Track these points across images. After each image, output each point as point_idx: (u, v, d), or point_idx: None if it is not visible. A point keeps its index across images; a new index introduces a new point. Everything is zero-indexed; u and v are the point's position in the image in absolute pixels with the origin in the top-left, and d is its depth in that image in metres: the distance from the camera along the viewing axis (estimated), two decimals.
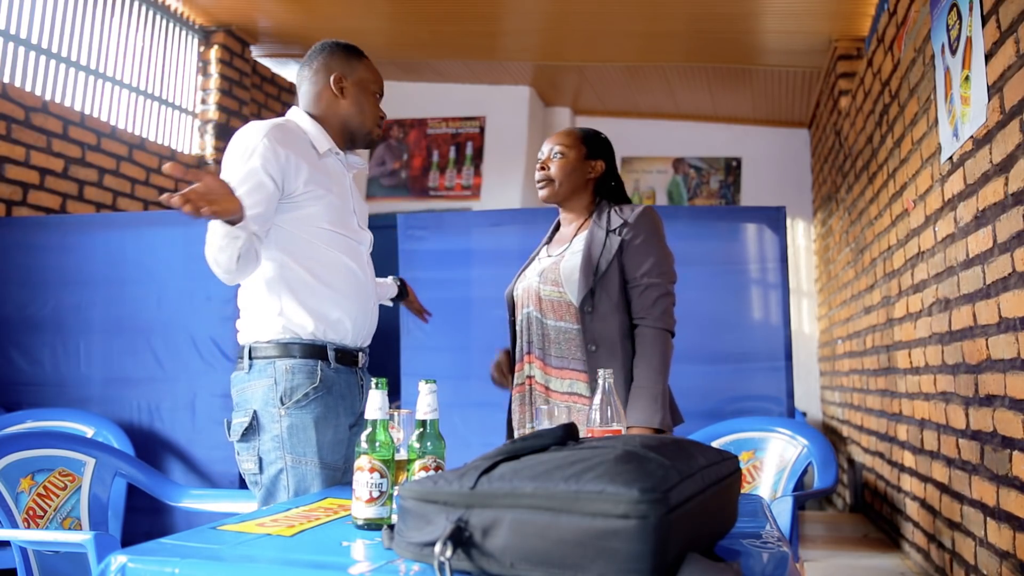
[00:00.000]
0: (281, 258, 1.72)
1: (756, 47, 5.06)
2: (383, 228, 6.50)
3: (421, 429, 1.37)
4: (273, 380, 1.69)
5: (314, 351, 1.72)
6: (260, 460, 1.69)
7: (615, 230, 1.86)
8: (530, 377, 1.91)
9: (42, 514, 1.96)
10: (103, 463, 2.11)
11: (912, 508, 3.43)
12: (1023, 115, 2.11)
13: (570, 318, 1.85)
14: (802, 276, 6.24)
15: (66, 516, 2.02)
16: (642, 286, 1.83)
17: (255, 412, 1.69)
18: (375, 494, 1.25)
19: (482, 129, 6.20)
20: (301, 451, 1.68)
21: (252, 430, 1.69)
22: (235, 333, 1.82)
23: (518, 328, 1.96)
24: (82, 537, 1.61)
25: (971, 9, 2.47)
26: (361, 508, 1.26)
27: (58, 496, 2.01)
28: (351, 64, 1.90)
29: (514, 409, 1.96)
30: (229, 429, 1.75)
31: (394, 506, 1.26)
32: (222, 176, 1.62)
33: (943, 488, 2.93)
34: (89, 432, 2.82)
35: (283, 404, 1.68)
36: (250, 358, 1.71)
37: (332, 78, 1.87)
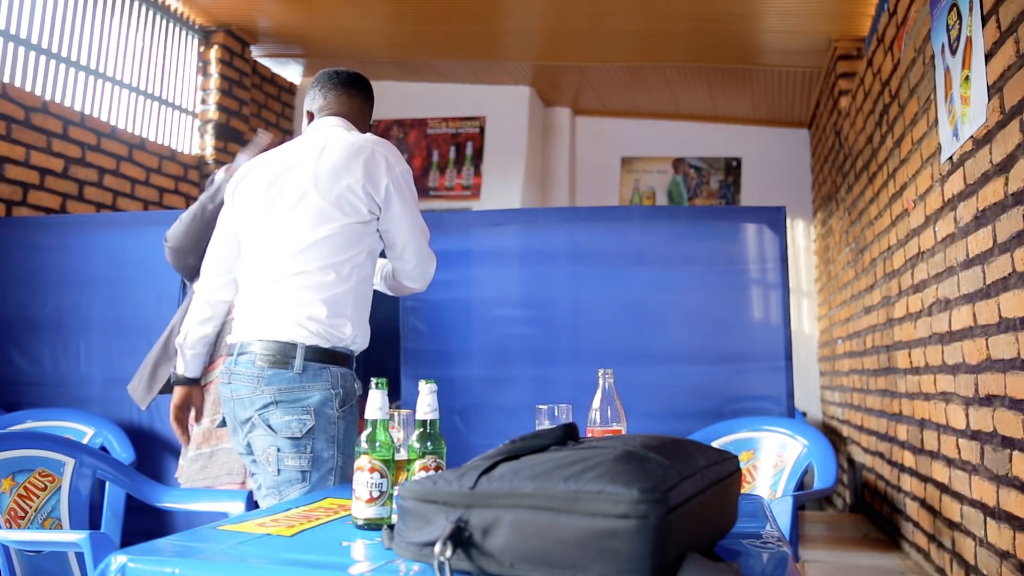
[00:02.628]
0: (361, 270, 1.82)
1: (756, 47, 5.06)
2: None
3: (421, 429, 1.37)
4: (330, 385, 1.76)
5: (350, 360, 1.85)
6: (314, 459, 1.74)
7: None
8: None
9: (23, 515, 1.96)
10: (82, 463, 2.11)
11: (912, 508, 3.43)
12: (1023, 115, 2.11)
13: None
14: (802, 276, 6.24)
15: (46, 516, 2.02)
16: None
17: (314, 412, 1.74)
18: (375, 494, 1.25)
19: (482, 129, 6.20)
20: (349, 452, 1.77)
21: (309, 430, 1.74)
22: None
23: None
24: (77, 537, 1.61)
25: (971, 9, 2.47)
26: (361, 508, 1.26)
27: (38, 497, 2.01)
28: None
29: None
30: (269, 426, 1.73)
31: (394, 506, 1.26)
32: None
33: (943, 488, 2.93)
34: (89, 432, 2.82)
35: (340, 408, 1.78)
36: (305, 359, 1.74)
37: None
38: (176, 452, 2.92)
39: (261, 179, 1.86)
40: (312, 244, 1.76)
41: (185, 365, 1.95)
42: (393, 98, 6.17)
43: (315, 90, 1.97)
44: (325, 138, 1.84)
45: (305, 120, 1.99)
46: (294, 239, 1.78)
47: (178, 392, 1.98)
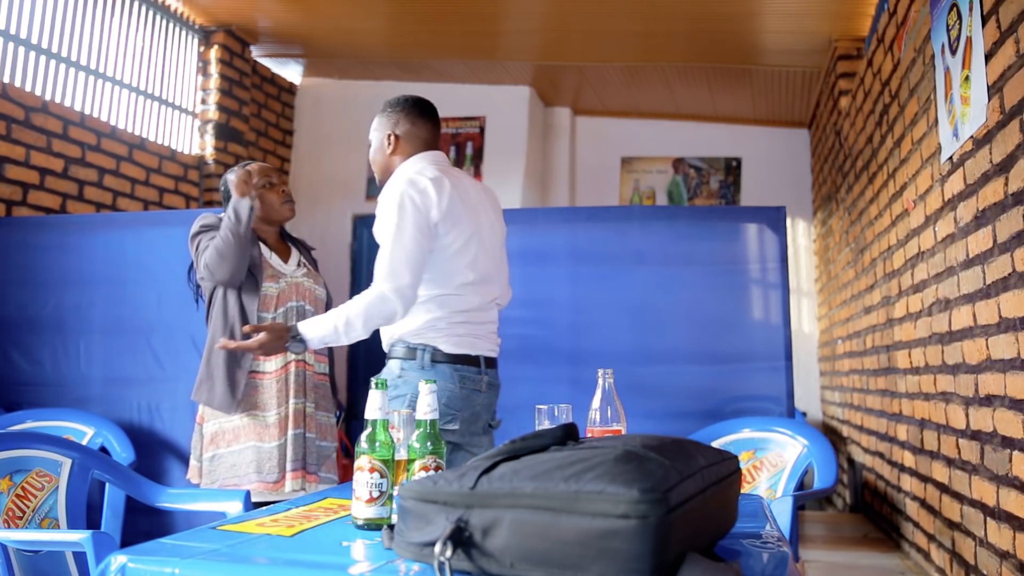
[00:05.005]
0: None
1: (756, 47, 5.06)
2: None
3: (421, 429, 1.37)
4: None
5: None
6: None
7: None
8: (302, 361, 2.29)
9: (20, 515, 1.96)
10: (79, 463, 2.11)
11: (912, 508, 3.43)
12: (1023, 115, 2.11)
13: (322, 310, 2.35)
14: (802, 276, 6.24)
15: (44, 516, 2.02)
16: None
17: None
18: (375, 494, 1.25)
19: (482, 129, 6.20)
20: None
21: None
22: None
23: (276, 320, 2.26)
24: (79, 536, 1.61)
25: (971, 9, 2.47)
26: (361, 508, 1.26)
27: (36, 497, 2.01)
28: None
29: (281, 386, 2.26)
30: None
31: (394, 506, 1.27)
32: None
33: (943, 488, 2.93)
34: (89, 432, 2.82)
35: None
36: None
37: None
38: (175, 453, 2.92)
39: (470, 206, 2.02)
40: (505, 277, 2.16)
41: (322, 342, 1.90)
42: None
43: (421, 119, 2.08)
44: (471, 178, 2.15)
45: (393, 142, 2.06)
46: (503, 271, 2.13)
47: (277, 341, 1.92)
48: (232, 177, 2.33)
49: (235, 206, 2.25)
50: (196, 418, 2.34)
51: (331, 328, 1.88)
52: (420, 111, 2.08)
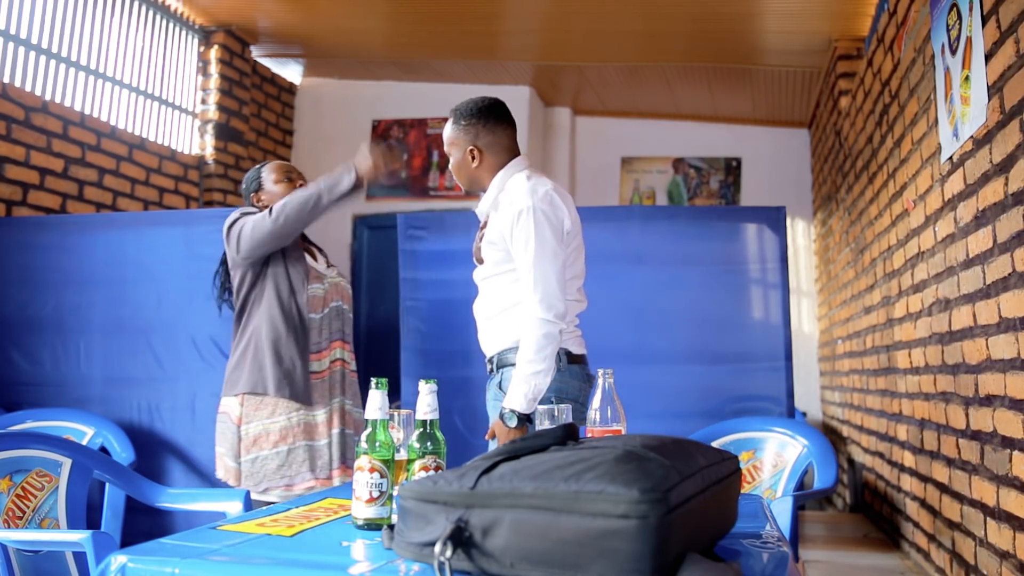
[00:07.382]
0: None
1: (756, 47, 5.06)
2: (383, 228, 6.44)
3: (421, 429, 1.37)
4: None
5: None
6: None
7: None
8: (340, 360, 2.35)
9: (20, 515, 1.96)
10: (79, 464, 2.11)
11: (912, 508, 3.43)
12: (1023, 115, 2.11)
13: (351, 306, 2.43)
14: (802, 276, 6.24)
15: (44, 516, 2.02)
16: None
17: None
18: (375, 494, 1.25)
19: None
20: None
21: None
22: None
23: (323, 320, 2.31)
24: (79, 536, 1.61)
25: (971, 9, 2.47)
26: (361, 508, 1.26)
27: (36, 497, 2.01)
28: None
29: (326, 385, 2.30)
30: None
31: (394, 506, 1.27)
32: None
33: (943, 488, 2.93)
34: (89, 432, 2.82)
35: None
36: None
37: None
38: (175, 453, 2.91)
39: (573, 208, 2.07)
40: None
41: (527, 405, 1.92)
42: (393, 98, 6.17)
43: (500, 125, 2.04)
44: None
45: (477, 156, 2.02)
46: None
47: None
48: (367, 152, 2.20)
49: (344, 175, 2.17)
50: (228, 418, 2.24)
51: (531, 387, 1.88)
52: (498, 117, 2.03)
